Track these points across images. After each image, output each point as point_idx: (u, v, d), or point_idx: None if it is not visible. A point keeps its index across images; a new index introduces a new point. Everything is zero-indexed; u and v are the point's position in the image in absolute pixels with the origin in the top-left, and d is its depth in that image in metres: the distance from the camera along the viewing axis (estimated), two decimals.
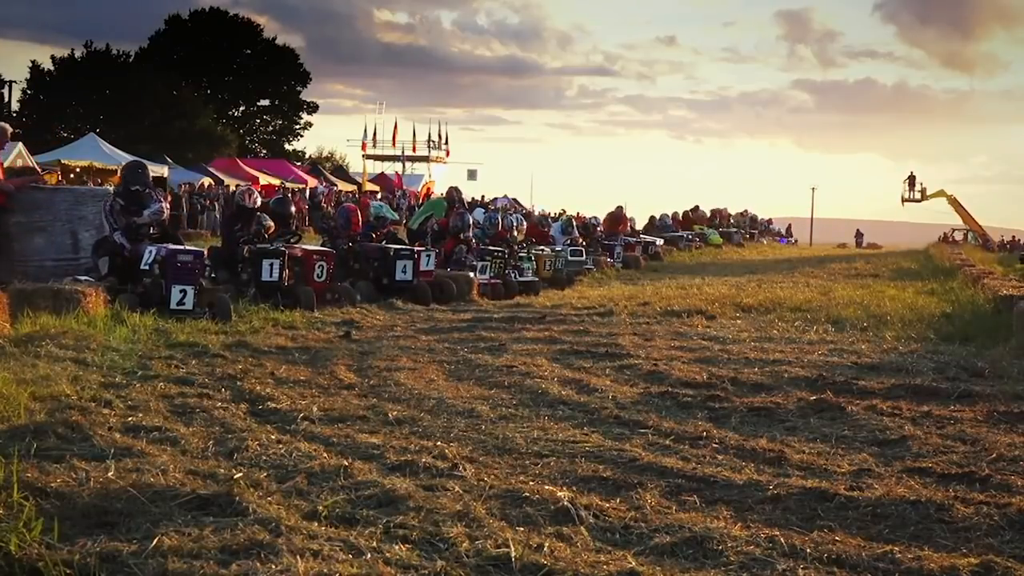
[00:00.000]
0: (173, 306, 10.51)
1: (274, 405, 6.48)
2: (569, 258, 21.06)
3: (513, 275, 17.18)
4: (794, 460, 5.40)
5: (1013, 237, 66.88)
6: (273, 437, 5.50)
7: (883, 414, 6.58)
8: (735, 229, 45.46)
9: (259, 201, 13.26)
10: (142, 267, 10.84)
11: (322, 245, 14.38)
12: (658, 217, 37.57)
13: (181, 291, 10.57)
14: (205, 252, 11.88)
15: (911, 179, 63.57)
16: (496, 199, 44.62)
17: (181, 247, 11.16)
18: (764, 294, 16.43)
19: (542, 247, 19.48)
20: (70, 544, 3.63)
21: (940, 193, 63.20)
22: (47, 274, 11.04)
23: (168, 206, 12.81)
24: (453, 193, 19.02)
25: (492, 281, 16.18)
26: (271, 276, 12.11)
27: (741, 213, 51.67)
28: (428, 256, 14.74)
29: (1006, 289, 13.84)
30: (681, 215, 40.13)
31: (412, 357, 8.87)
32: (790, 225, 67.34)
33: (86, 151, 35.50)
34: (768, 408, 6.82)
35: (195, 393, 6.75)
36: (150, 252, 10.88)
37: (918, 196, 63.45)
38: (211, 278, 11.73)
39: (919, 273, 25.28)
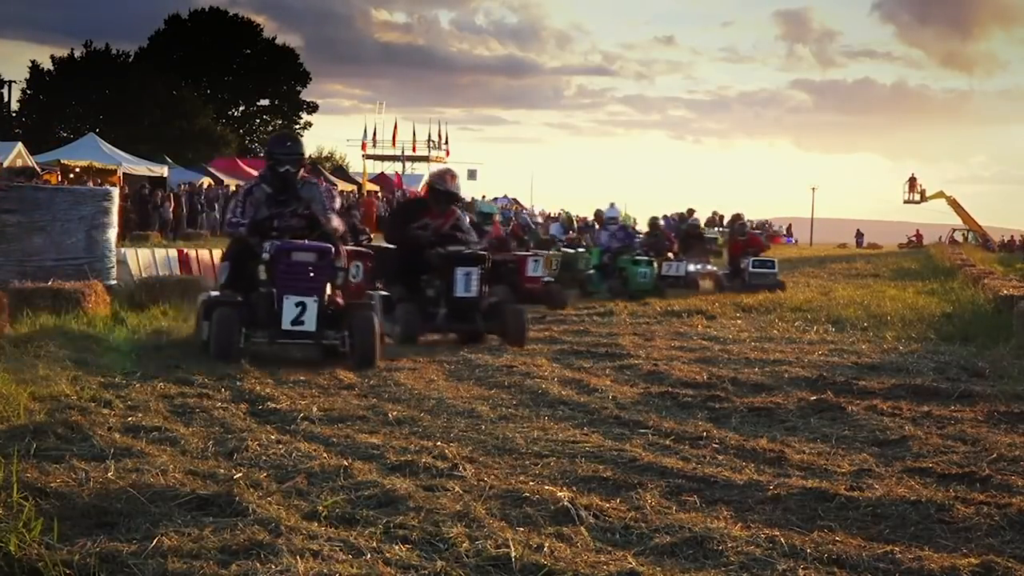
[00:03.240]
0: (287, 325, 7.94)
1: (274, 405, 6.47)
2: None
3: None
4: (794, 460, 5.39)
5: (1012, 237, 66.92)
6: (273, 437, 5.50)
7: (883, 414, 6.58)
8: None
9: (461, 188, 10.69)
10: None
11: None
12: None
13: (298, 304, 7.94)
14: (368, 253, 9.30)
15: (911, 181, 63.76)
16: (496, 199, 44.58)
17: (300, 242, 8.22)
18: (764, 294, 16.44)
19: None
20: (70, 544, 3.62)
21: (939, 194, 63.42)
22: (47, 274, 11.04)
23: (337, 215, 9.07)
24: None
25: None
26: (468, 291, 9.56)
27: (732, 218, 51.49)
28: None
29: (1006, 289, 13.87)
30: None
31: (412, 357, 8.86)
32: (790, 225, 67.40)
33: (86, 151, 35.44)
34: (768, 408, 6.81)
35: (195, 393, 6.73)
36: (265, 248, 8.16)
37: (918, 198, 63.63)
38: (387, 298, 9.33)
39: (919, 273, 25.31)
